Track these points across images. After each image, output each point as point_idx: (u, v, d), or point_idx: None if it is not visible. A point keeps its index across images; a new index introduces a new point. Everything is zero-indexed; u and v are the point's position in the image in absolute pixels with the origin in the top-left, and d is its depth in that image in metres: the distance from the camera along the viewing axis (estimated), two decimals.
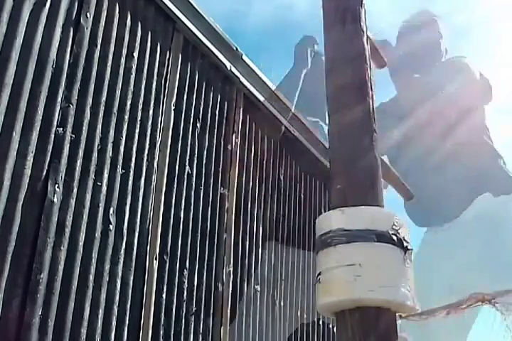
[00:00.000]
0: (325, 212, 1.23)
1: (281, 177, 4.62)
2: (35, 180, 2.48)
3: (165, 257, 3.18)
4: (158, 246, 3.15)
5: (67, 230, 2.59)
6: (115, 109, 3.02)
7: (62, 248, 2.54)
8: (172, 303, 3.17)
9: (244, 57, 4.14)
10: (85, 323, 2.58)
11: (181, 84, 3.60)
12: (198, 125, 3.69)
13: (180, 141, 3.48)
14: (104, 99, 2.95)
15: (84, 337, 2.56)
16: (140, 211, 3.06)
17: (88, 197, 2.74)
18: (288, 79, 10.55)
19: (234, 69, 4.07)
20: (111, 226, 2.84)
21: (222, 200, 3.80)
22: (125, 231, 2.93)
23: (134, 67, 3.21)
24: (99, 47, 2.98)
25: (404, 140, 8.61)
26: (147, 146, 3.19)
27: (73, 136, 2.72)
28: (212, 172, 3.75)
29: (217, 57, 3.92)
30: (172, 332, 3.13)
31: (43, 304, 2.39)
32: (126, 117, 3.08)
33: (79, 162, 2.73)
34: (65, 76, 2.72)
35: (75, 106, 2.75)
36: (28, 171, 2.45)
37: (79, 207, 2.67)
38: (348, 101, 1.24)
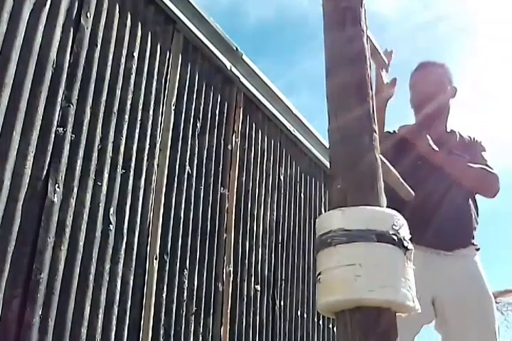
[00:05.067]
0: (325, 212, 1.24)
1: (281, 177, 4.62)
2: (35, 180, 2.48)
3: (165, 257, 3.18)
4: (159, 246, 3.15)
5: (68, 230, 2.59)
6: (115, 109, 3.02)
7: (62, 248, 2.54)
8: (172, 303, 3.17)
9: (245, 57, 4.14)
10: (85, 323, 2.58)
11: (181, 84, 3.60)
12: (198, 125, 3.70)
13: (180, 141, 3.48)
14: (104, 99, 2.95)
15: (84, 336, 2.56)
16: (140, 211, 3.06)
17: (88, 196, 2.74)
18: None
19: (234, 70, 4.07)
20: (111, 226, 2.84)
21: (222, 200, 3.80)
22: (125, 231, 2.93)
23: (134, 67, 3.21)
24: (99, 47, 2.98)
25: None
26: (147, 146, 3.19)
27: (73, 136, 2.72)
28: (212, 172, 3.75)
29: (217, 57, 3.92)
30: (172, 332, 3.13)
31: (43, 304, 2.39)
32: (127, 117, 3.08)
33: (79, 162, 2.73)
34: (65, 76, 2.72)
35: (75, 106, 2.75)
36: (28, 171, 2.45)
37: (79, 207, 2.67)
38: (348, 101, 1.23)
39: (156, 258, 3.11)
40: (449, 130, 2.65)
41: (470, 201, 2.51)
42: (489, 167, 2.52)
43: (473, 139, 2.67)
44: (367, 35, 1.33)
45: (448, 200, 2.38)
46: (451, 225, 2.34)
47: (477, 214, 2.52)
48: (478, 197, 2.58)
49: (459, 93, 2.61)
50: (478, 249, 2.45)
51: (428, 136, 2.41)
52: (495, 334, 2.32)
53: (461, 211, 2.44)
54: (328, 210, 1.15)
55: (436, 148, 2.42)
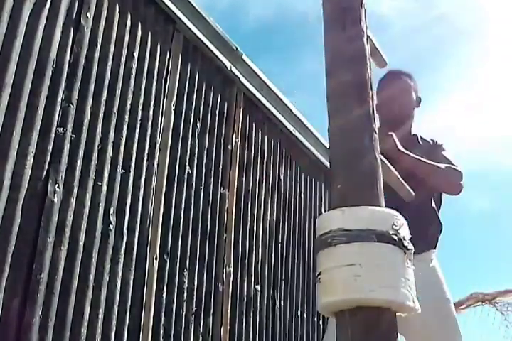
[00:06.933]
0: (325, 212, 1.24)
1: (281, 177, 4.62)
2: (35, 180, 2.48)
3: (165, 257, 3.18)
4: (159, 246, 3.15)
5: (68, 230, 2.59)
6: (115, 109, 3.02)
7: (62, 248, 2.54)
8: (172, 303, 3.17)
9: (245, 57, 4.14)
10: (85, 323, 2.58)
11: (181, 84, 3.60)
12: (198, 125, 3.70)
13: (180, 141, 3.48)
14: (104, 98, 2.95)
15: (84, 336, 2.56)
16: (140, 211, 3.06)
17: (88, 197, 2.74)
18: None
19: (234, 69, 4.07)
20: (111, 226, 2.84)
21: (222, 200, 3.80)
22: (125, 231, 2.93)
23: (134, 67, 3.21)
24: (99, 47, 2.98)
25: None
26: (147, 146, 3.19)
27: (73, 136, 2.72)
28: (212, 172, 3.75)
29: (217, 57, 3.92)
30: (172, 332, 3.13)
31: (43, 304, 2.39)
32: (127, 117, 3.08)
33: (79, 162, 2.73)
34: (65, 76, 2.72)
35: (75, 106, 2.75)
36: (28, 171, 2.45)
37: (79, 207, 2.67)
38: (348, 101, 1.24)
39: (156, 258, 3.10)
40: (412, 134, 2.74)
41: (432, 205, 2.60)
42: (453, 165, 2.59)
43: (435, 142, 2.76)
44: (367, 35, 1.33)
45: (411, 205, 2.42)
46: (414, 230, 2.36)
47: (438, 217, 2.61)
48: (443, 197, 2.67)
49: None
50: (434, 252, 2.56)
51: (395, 138, 2.44)
52: (456, 333, 2.41)
53: (424, 216, 2.50)
54: (328, 210, 1.15)
55: (403, 150, 2.45)
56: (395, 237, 1.08)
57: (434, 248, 2.57)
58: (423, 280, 2.49)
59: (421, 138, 2.76)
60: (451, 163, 2.62)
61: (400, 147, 2.44)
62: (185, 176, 3.47)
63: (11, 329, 2.28)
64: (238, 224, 3.92)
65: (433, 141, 2.77)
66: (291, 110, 4.72)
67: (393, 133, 2.42)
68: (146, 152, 3.18)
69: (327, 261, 1.08)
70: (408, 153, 2.46)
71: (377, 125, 1.24)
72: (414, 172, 2.44)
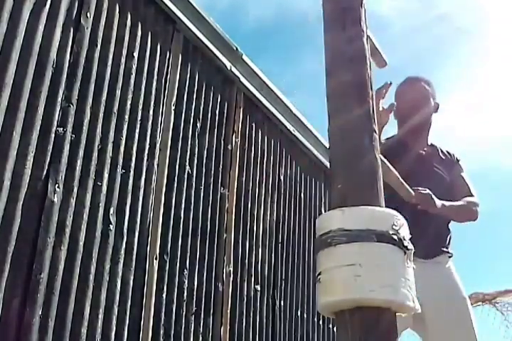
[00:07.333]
0: (325, 212, 1.24)
1: (281, 177, 4.62)
2: (35, 180, 2.48)
3: (165, 257, 3.18)
4: (159, 246, 3.15)
5: (68, 230, 2.59)
6: (115, 109, 3.01)
7: (62, 248, 2.54)
8: (172, 303, 3.17)
9: (245, 57, 4.14)
10: (85, 323, 2.58)
11: (181, 84, 3.60)
12: (198, 125, 3.69)
13: (180, 141, 3.48)
14: (104, 99, 2.95)
15: (84, 336, 2.56)
16: (140, 211, 3.06)
17: (88, 197, 2.74)
18: None
19: (234, 69, 4.07)
20: (111, 226, 2.84)
21: (222, 200, 3.80)
22: (125, 231, 2.93)
23: (134, 67, 3.21)
24: (99, 47, 2.98)
25: None
26: (147, 146, 3.19)
27: (73, 136, 2.72)
28: (212, 172, 3.75)
29: (217, 57, 3.92)
30: (172, 332, 3.13)
31: (43, 304, 2.39)
32: (127, 117, 3.08)
33: (79, 162, 2.73)
34: (65, 76, 2.72)
35: (75, 106, 2.75)
36: (28, 171, 2.45)
37: (79, 207, 2.67)
38: (348, 101, 1.24)
39: (156, 258, 3.10)
40: (429, 144, 2.80)
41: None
42: (471, 192, 2.69)
43: (453, 157, 2.82)
44: (367, 35, 1.33)
45: (423, 211, 2.45)
46: (426, 236, 2.46)
47: (449, 222, 2.70)
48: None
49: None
50: (450, 256, 2.66)
51: (432, 195, 2.43)
52: (473, 330, 2.48)
53: (435, 222, 2.58)
54: (328, 210, 1.15)
55: (441, 203, 2.48)
56: (395, 237, 1.08)
57: (448, 251, 2.67)
58: (441, 281, 2.58)
59: (441, 150, 2.81)
60: (470, 188, 2.70)
61: (438, 203, 2.47)
62: (185, 176, 3.47)
63: (11, 329, 2.28)
64: (238, 224, 3.92)
65: (450, 154, 2.83)
66: (291, 110, 4.72)
67: (429, 191, 2.42)
68: (146, 152, 3.18)
69: (327, 261, 1.08)
70: (443, 202, 2.50)
71: (377, 126, 1.24)
72: (442, 214, 2.54)
